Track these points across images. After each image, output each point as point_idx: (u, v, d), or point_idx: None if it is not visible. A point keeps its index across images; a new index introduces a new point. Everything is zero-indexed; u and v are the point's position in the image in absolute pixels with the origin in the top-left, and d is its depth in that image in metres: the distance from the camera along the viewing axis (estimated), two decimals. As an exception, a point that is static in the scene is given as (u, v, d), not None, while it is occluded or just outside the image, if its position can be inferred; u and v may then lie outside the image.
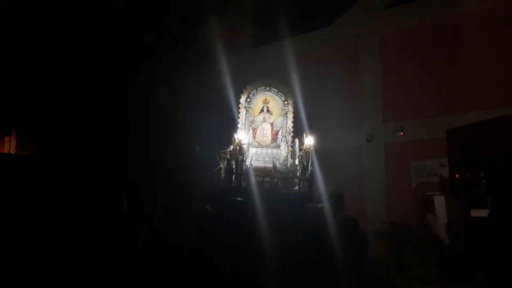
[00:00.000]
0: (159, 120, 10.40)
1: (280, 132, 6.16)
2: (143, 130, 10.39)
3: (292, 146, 5.84)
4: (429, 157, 7.16)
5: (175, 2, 9.49)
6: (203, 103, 9.18)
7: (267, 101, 6.24)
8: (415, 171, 7.48)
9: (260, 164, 5.83)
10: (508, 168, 4.48)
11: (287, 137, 6.05)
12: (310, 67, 8.57)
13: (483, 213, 4.67)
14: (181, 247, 5.42)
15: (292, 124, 6.13)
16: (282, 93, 6.19)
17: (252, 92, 6.19)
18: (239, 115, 6.13)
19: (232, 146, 5.40)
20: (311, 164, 5.40)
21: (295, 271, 4.25)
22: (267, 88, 6.21)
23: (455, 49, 7.29)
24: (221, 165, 5.50)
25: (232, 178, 5.27)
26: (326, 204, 4.77)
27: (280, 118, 6.19)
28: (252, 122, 6.18)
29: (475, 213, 4.93)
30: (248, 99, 6.17)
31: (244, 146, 5.53)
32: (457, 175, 5.24)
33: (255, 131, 6.18)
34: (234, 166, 5.29)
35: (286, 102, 6.19)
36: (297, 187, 5.38)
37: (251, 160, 5.67)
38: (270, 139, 6.17)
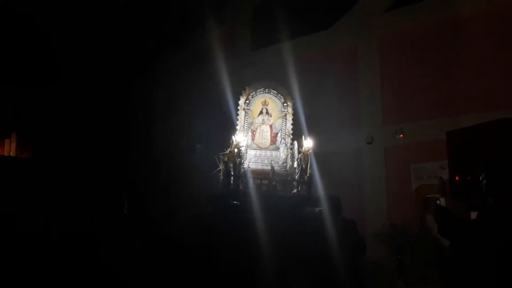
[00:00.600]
0: (158, 122, 10.40)
1: (279, 134, 6.11)
2: (143, 131, 10.39)
3: (291, 149, 5.81)
4: (429, 159, 7.15)
5: (175, 3, 9.48)
6: (203, 105, 9.18)
7: (266, 103, 6.19)
8: (415, 173, 7.47)
9: (259, 166, 5.80)
10: (508, 170, 4.45)
11: (286, 139, 6.00)
12: (309, 70, 8.57)
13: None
14: (178, 249, 5.40)
15: (291, 126, 6.09)
16: (281, 95, 6.14)
17: (251, 94, 6.14)
18: (238, 117, 6.09)
19: (230, 149, 5.36)
20: (310, 167, 5.37)
21: (291, 275, 4.22)
22: (266, 90, 6.15)
23: (455, 51, 7.29)
24: (220, 167, 5.47)
25: (230, 180, 5.23)
26: (323, 208, 4.73)
27: (279, 120, 6.14)
28: (251, 124, 6.14)
29: (475, 215, 4.90)
30: (247, 101, 6.12)
31: (243, 148, 5.49)
32: (457, 177, 5.20)
33: (254, 133, 6.13)
34: (232, 169, 5.25)
35: (285, 104, 6.14)
36: (295, 190, 5.34)
37: (248, 162, 5.63)
38: (269, 141, 6.12)
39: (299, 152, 5.50)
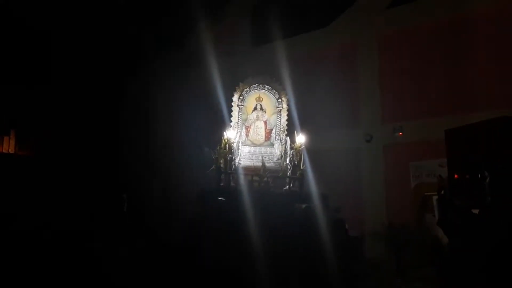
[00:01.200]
0: (155, 119, 10.37)
1: (274, 130, 6.05)
2: (142, 129, 10.36)
3: (284, 145, 5.72)
4: (428, 158, 7.07)
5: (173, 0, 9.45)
6: (199, 102, 9.12)
7: (261, 98, 6.13)
8: (414, 171, 7.39)
9: (252, 163, 5.72)
10: (507, 168, 4.35)
11: (281, 135, 5.93)
12: (308, 67, 8.53)
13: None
14: (171, 246, 5.34)
15: (286, 122, 6.01)
16: (275, 91, 6.07)
17: (245, 90, 6.08)
18: (232, 113, 6.02)
19: (220, 145, 5.29)
20: (303, 163, 5.28)
21: (279, 271, 4.13)
22: (260, 85, 6.10)
23: (454, 49, 7.23)
24: (215, 165, 5.40)
25: (220, 177, 5.15)
26: (311, 204, 4.64)
27: (274, 116, 6.09)
28: (245, 120, 6.08)
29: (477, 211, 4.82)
30: (241, 97, 6.07)
31: (234, 144, 5.42)
32: (455, 176, 5.11)
33: (248, 129, 6.07)
34: (222, 165, 5.17)
35: (280, 100, 6.07)
36: (287, 187, 5.25)
37: (239, 159, 5.55)
38: (263, 137, 6.06)
39: (291, 148, 5.41)
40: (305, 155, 5.31)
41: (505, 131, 4.54)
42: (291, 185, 5.23)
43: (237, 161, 5.47)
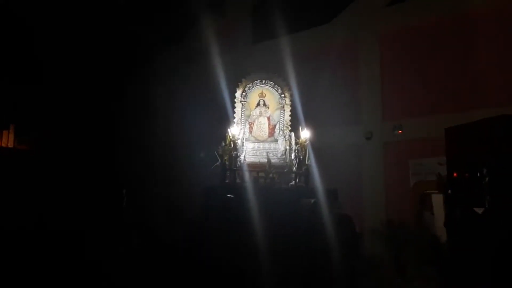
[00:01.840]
0: (156, 116, 10.35)
1: (277, 126, 6.06)
2: (142, 124, 10.34)
3: (289, 140, 5.74)
4: (428, 156, 7.10)
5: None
6: (201, 99, 9.12)
7: (264, 94, 6.13)
8: (413, 169, 7.42)
9: (256, 159, 5.73)
10: (506, 167, 4.42)
11: (285, 131, 5.94)
12: (309, 64, 8.51)
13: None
14: (174, 243, 5.35)
15: (289, 118, 6.02)
16: (278, 86, 6.08)
17: (248, 85, 6.08)
18: (235, 109, 6.02)
19: (225, 142, 5.30)
20: (308, 158, 5.30)
21: (285, 268, 4.15)
22: (263, 81, 6.09)
23: (455, 47, 7.24)
24: (219, 162, 5.41)
25: (225, 174, 5.16)
26: (319, 199, 4.67)
27: (277, 112, 6.08)
28: (249, 116, 6.08)
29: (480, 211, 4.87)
30: (244, 93, 6.06)
31: (238, 141, 5.43)
32: (455, 174, 5.17)
33: (252, 125, 6.08)
34: (227, 162, 5.18)
35: (283, 95, 6.08)
36: (293, 182, 5.28)
37: (244, 155, 5.56)
38: (267, 133, 6.06)
39: (296, 144, 5.43)
40: (310, 150, 5.33)
41: (505, 129, 4.61)
42: (297, 180, 5.25)
43: (242, 157, 5.48)
